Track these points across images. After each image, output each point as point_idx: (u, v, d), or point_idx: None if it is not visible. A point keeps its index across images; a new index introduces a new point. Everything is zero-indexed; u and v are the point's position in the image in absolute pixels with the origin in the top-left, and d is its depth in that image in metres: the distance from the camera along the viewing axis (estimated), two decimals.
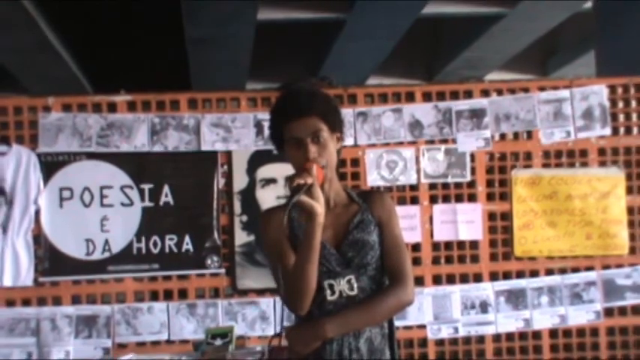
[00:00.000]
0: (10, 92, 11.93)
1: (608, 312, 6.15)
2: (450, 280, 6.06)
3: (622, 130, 6.28)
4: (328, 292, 2.89)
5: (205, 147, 5.93)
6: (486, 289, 6.06)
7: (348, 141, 5.71)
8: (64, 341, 5.69)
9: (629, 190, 6.22)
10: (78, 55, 13.09)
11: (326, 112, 2.95)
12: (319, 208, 2.75)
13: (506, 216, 6.14)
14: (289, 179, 2.82)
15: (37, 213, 5.78)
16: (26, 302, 5.75)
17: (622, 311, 6.17)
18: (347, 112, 5.68)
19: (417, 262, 5.94)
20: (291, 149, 2.93)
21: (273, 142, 3.06)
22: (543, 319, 6.09)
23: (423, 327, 5.95)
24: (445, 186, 6.11)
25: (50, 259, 5.79)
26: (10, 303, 5.74)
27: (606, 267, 6.16)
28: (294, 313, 2.94)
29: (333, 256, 2.91)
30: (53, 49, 11.91)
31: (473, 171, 6.13)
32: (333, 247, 2.92)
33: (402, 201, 6.01)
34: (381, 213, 2.99)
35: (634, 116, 6.31)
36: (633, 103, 6.32)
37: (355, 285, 2.90)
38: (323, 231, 2.83)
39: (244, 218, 5.94)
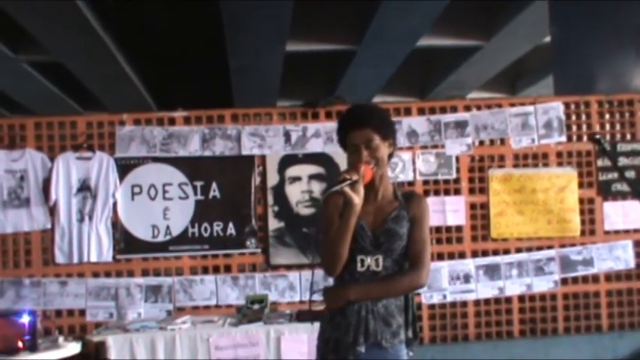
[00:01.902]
0: (94, 110, 12.00)
1: (564, 281, 6.12)
2: (440, 257, 6.02)
3: (575, 137, 6.24)
4: (359, 264, 2.89)
5: (245, 152, 5.90)
6: (468, 264, 6.02)
7: (397, 142, 5.68)
8: (136, 305, 5.71)
9: (580, 185, 6.19)
10: (146, 82, 13.13)
11: (378, 124, 2.93)
12: (356, 199, 2.78)
13: (485, 206, 6.10)
14: (341, 172, 2.88)
15: (115, 205, 5.78)
16: (107, 274, 5.77)
17: (575, 280, 6.14)
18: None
19: None
20: (349, 153, 2.94)
21: (341, 146, 3.03)
22: (513, 287, 6.06)
23: (417, 294, 5.90)
24: (436, 182, 6.08)
25: (125, 241, 5.79)
26: (96, 274, 5.76)
27: (563, 246, 6.13)
28: (327, 275, 2.95)
29: (368, 238, 2.90)
30: (128, 77, 11.96)
31: (458, 170, 6.08)
32: (370, 230, 2.90)
33: None
34: (415, 212, 2.95)
35: (584, 127, 6.28)
36: (583, 117, 6.29)
37: (381, 264, 2.89)
38: (366, 216, 2.89)
39: (276, 208, 5.92)
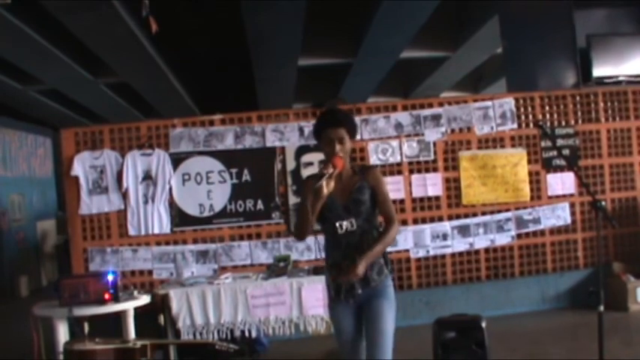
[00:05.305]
0: (153, 117, 12.00)
1: (519, 236, 6.11)
2: (423, 220, 6.00)
3: (523, 125, 6.20)
4: (338, 228, 2.94)
5: (268, 144, 5.88)
6: (446, 226, 6.00)
7: (357, 137, 5.61)
8: (190, 265, 5.72)
9: (529, 161, 6.16)
10: (191, 93, 13.10)
11: (349, 126, 3.00)
12: (326, 191, 2.85)
13: (457, 180, 6.07)
14: (322, 164, 2.95)
15: (170, 189, 5.78)
16: (167, 243, 5.79)
17: (527, 235, 6.14)
18: (356, 119, 5.57)
19: (403, 210, 5.91)
20: (325, 144, 2.98)
21: (315, 137, 3.06)
22: (481, 242, 6.05)
23: (407, 250, 5.91)
24: (418, 163, 6.04)
25: (179, 217, 5.80)
26: (158, 243, 5.78)
27: (517, 209, 6.11)
28: (296, 240, 3.04)
29: (340, 208, 2.94)
30: (177, 91, 11.97)
31: (435, 153, 6.04)
32: (340, 202, 2.95)
33: (391, 173, 5.95)
34: (373, 181, 2.99)
35: (530, 116, 6.22)
36: (529, 109, 6.23)
37: (355, 224, 2.93)
38: (336, 192, 2.91)
39: (294, 188, 5.89)
